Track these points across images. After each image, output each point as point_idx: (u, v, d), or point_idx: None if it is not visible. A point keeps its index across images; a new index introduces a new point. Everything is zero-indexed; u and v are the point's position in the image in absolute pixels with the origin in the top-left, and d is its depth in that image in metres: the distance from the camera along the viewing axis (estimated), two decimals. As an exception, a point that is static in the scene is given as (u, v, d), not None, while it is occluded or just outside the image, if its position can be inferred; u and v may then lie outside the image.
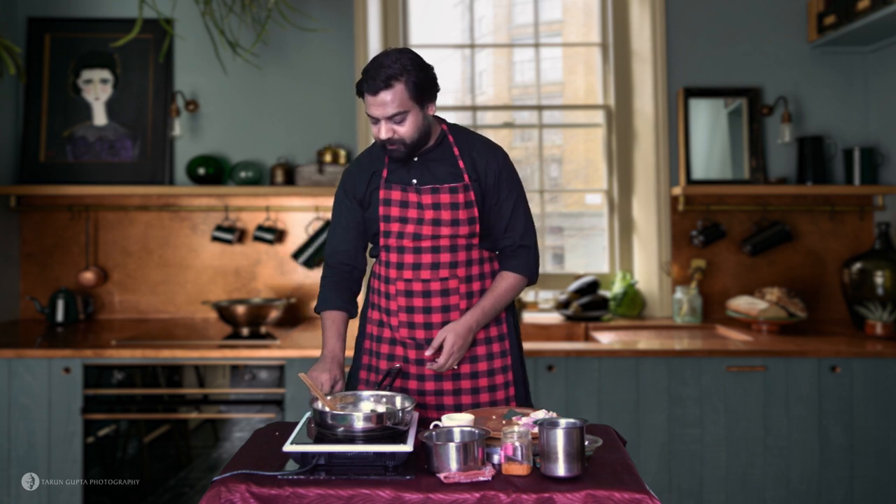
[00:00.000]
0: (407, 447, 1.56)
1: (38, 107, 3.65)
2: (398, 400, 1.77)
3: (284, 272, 3.69)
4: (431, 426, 1.71)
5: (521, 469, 1.56)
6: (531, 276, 2.09)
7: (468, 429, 1.64)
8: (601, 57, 3.96)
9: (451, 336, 1.96)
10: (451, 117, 4.08)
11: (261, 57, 3.66)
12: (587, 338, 3.47)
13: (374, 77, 1.87)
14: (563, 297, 3.65)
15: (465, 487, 1.50)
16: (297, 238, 3.68)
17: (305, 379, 1.75)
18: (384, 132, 1.93)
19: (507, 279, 2.06)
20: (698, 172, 3.64)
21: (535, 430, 1.68)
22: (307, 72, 3.70)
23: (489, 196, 2.04)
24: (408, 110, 1.91)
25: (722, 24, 3.67)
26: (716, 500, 2.88)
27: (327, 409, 1.67)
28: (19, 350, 2.89)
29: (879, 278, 3.22)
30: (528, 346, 3.00)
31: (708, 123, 3.68)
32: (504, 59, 4.29)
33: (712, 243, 3.62)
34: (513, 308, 2.15)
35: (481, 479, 1.53)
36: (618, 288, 3.70)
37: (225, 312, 3.23)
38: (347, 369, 2.15)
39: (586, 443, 1.68)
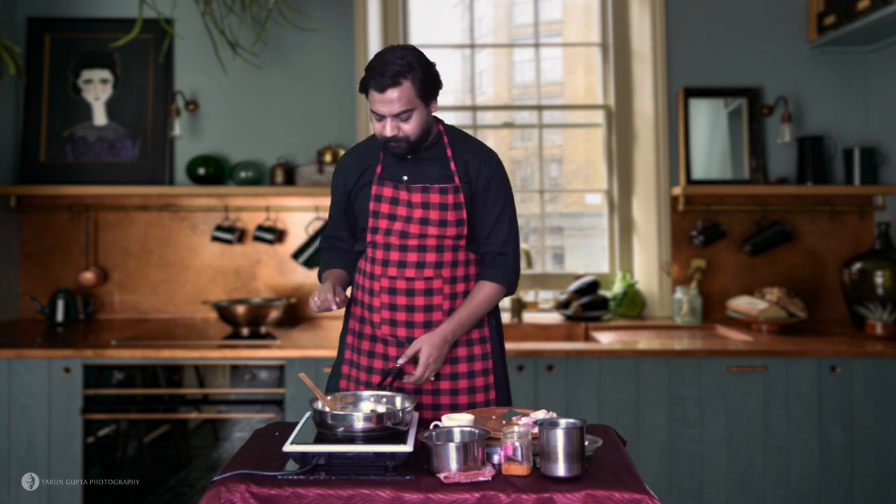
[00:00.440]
0: (407, 447, 1.56)
1: (38, 107, 3.65)
2: (398, 400, 1.77)
3: (284, 272, 3.69)
4: (431, 426, 1.70)
5: (521, 469, 1.56)
6: (509, 285, 2.06)
7: (468, 429, 1.64)
8: (601, 57, 3.96)
9: (426, 347, 1.95)
10: (451, 117, 4.08)
11: (261, 57, 3.66)
12: (587, 338, 3.47)
13: (382, 74, 1.87)
14: (563, 297, 3.65)
15: (465, 487, 1.50)
16: (297, 238, 3.68)
17: (305, 379, 1.75)
18: (389, 130, 1.93)
19: (484, 289, 2.04)
20: (698, 172, 3.64)
21: (535, 430, 1.68)
22: (307, 72, 3.70)
23: (477, 200, 2.04)
24: (414, 108, 1.92)
25: (722, 24, 3.67)
26: (716, 500, 2.88)
27: (327, 409, 1.67)
28: (19, 350, 2.89)
29: (879, 278, 3.22)
30: (528, 345, 3.00)
31: (708, 123, 3.68)
32: (504, 59, 4.29)
33: (712, 243, 3.62)
34: (496, 311, 2.15)
35: (481, 479, 1.53)
36: (618, 288, 3.70)
37: (225, 312, 3.23)
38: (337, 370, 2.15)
39: (586, 443, 1.68)
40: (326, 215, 3.63)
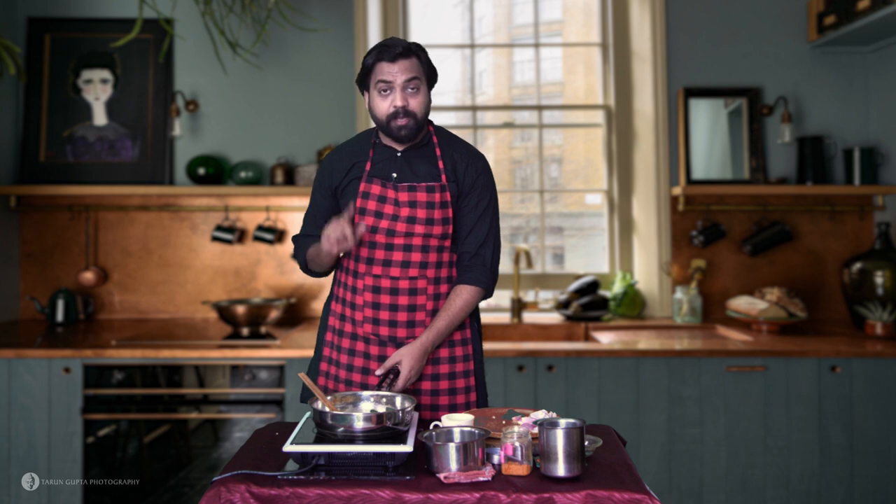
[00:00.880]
0: (407, 447, 1.57)
1: (38, 107, 3.65)
2: (398, 400, 1.78)
3: (284, 272, 3.69)
4: (432, 426, 1.71)
5: (521, 469, 1.56)
6: (486, 287, 2.05)
7: (468, 429, 1.64)
8: (601, 57, 3.96)
9: (407, 360, 1.95)
10: (451, 117, 4.08)
11: (261, 57, 3.66)
12: (587, 338, 3.47)
13: (395, 45, 1.93)
14: (563, 297, 3.65)
15: (465, 487, 1.50)
16: (297, 238, 3.68)
17: (305, 379, 1.75)
18: (400, 99, 1.94)
19: (461, 295, 2.02)
20: (698, 172, 3.64)
21: (535, 430, 1.68)
22: (307, 72, 3.70)
23: (462, 199, 2.05)
24: (422, 82, 1.97)
25: (722, 24, 3.67)
26: (716, 500, 2.88)
27: (327, 409, 1.67)
28: (19, 350, 2.89)
29: (879, 278, 3.22)
30: (528, 345, 3.00)
31: (708, 123, 3.68)
32: (504, 59, 4.29)
33: (712, 243, 3.62)
34: (476, 312, 2.14)
35: (481, 479, 1.53)
36: (618, 288, 3.70)
37: (225, 312, 3.23)
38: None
39: (586, 443, 1.68)
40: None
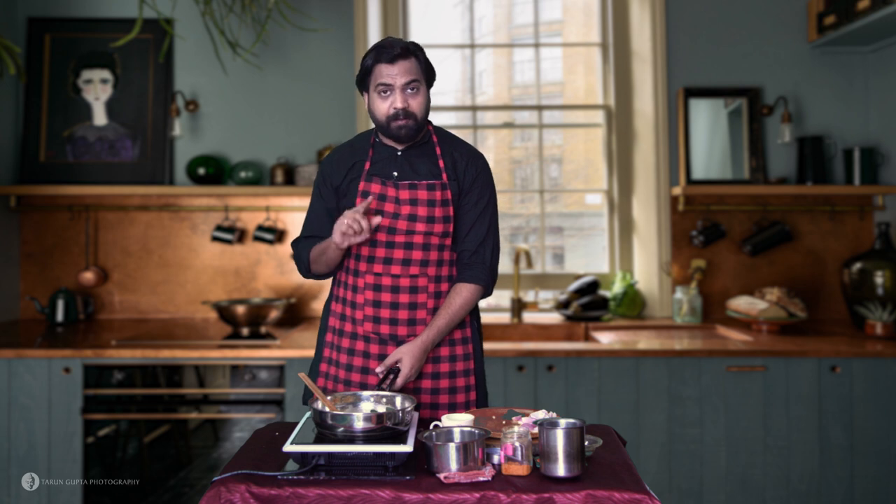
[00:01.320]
0: (407, 447, 1.56)
1: (38, 107, 3.65)
2: (398, 400, 1.77)
3: (284, 272, 3.69)
4: (431, 426, 1.71)
5: (521, 469, 1.56)
6: (486, 285, 2.05)
7: (468, 429, 1.64)
8: (601, 57, 3.96)
9: (407, 359, 1.95)
10: (451, 117, 4.08)
11: (261, 57, 3.66)
12: (587, 338, 3.47)
13: (393, 45, 1.94)
14: (563, 297, 3.65)
15: (465, 487, 1.50)
16: (297, 238, 3.68)
17: (305, 379, 1.75)
18: (400, 101, 1.95)
19: (461, 294, 2.02)
20: (698, 172, 3.64)
21: (535, 430, 1.68)
22: (307, 72, 3.70)
23: (462, 197, 2.05)
24: (421, 83, 1.98)
25: (722, 24, 3.67)
26: (716, 500, 2.88)
27: (327, 409, 1.67)
28: (19, 350, 2.89)
29: (879, 278, 3.22)
30: (528, 345, 3.00)
31: (708, 123, 3.68)
32: (504, 59, 4.29)
33: (712, 243, 3.62)
34: (476, 311, 2.14)
35: (481, 479, 1.53)
36: (618, 288, 3.70)
37: (225, 312, 3.23)
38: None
39: (586, 443, 1.68)
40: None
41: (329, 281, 3.23)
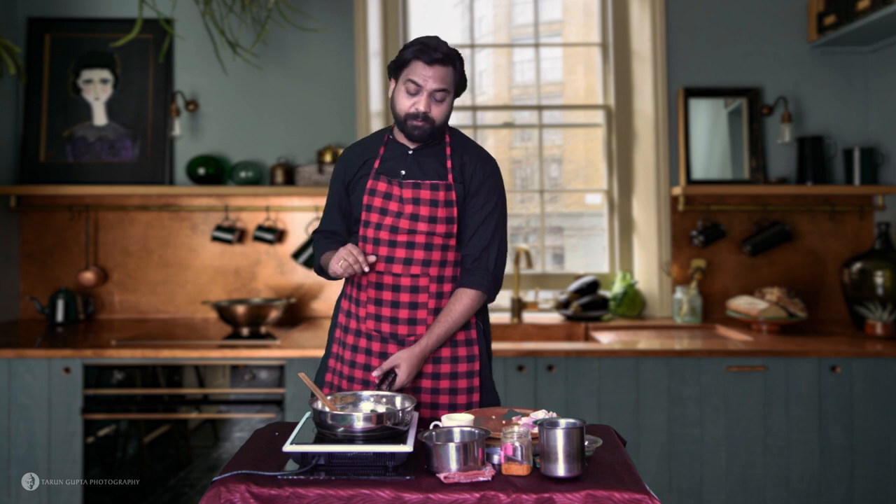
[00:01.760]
0: (407, 447, 1.57)
1: (38, 107, 3.65)
2: (398, 400, 1.78)
3: (284, 272, 3.69)
4: (431, 426, 1.71)
5: (521, 469, 1.56)
6: (488, 291, 2.04)
7: (468, 429, 1.64)
8: (601, 57, 3.96)
9: (405, 365, 1.95)
10: (451, 117, 4.07)
11: (261, 57, 3.66)
12: (587, 338, 3.47)
13: (437, 49, 1.94)
14: (563, 297, 3.65)
15: (465, 487, 1.50)
16: (297, 238, 3.68)
17: (305, 379, 1.75)
18: (424, 104, 1.96)
19: (461, 300, 2.02)
20: (698, 172, 3.64)
21: (535, 430, 1.68)
22: (307, 72, 3.70)
23: (468, 201, 2.05)
24: (450, 92, 1.99)
25: (722, 24, 3.67)
26: (716, 500, 2.88)
27: (327, 409, 1.67)
28: (19, 350, 2.89)
29: (879, 278, 3.22)
30: (528, 345, 3.00)
31: (708, 123, 3.68)
32: (504, 59, 4.29)
33: (712, 243, 3.62)
34: (484, 312, 2.14)
35: (481, 479, 1.53)
36: (618, 288, 3.70)
37: (225, 312, 3.23)
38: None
39: (586, 443, 1.68)
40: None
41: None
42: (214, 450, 3.07)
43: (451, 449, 1.54)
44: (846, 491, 2.86)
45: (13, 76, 3.57)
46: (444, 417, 1.74)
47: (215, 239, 3.61)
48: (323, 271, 2.13)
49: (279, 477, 1.56)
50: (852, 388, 2.87)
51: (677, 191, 3.58)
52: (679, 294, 3.54)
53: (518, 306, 3.61)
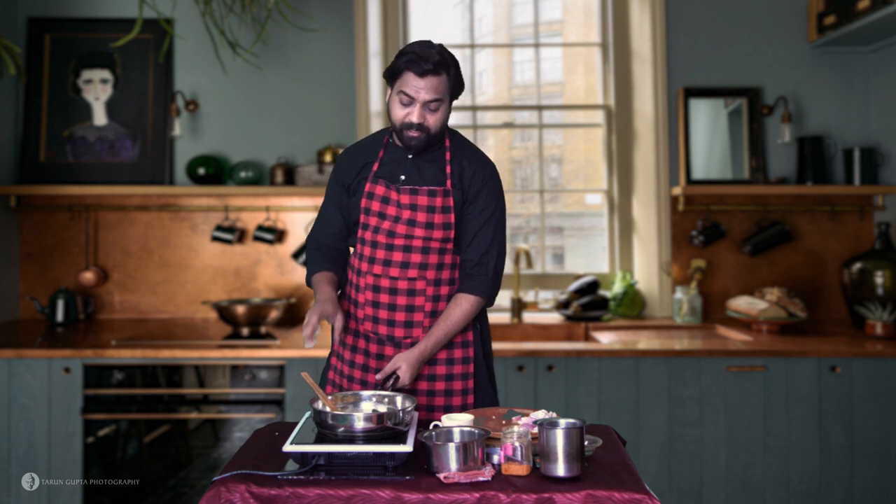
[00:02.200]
0: (407, 447, 1.57)
1: (38, 107, 3.65)
2: (399, 400, 1.78)
3: (284, 272, 3.69)
4: (431, 426, 1.71)
5: (520, 469, 1.56)
6: (487, 297, 2.04)
7: (468, 429, 1.64)
8: (601, 57, 3.96)
9: (406, 367, 1.95)
10: (451, 117, 4.07)
11: (261, 57, 3.66)
12: (587, 338, 3.47)
13: (426, 60, 1.90)
14: (563, 297, 3.65)
15: (465, 487, 1.50)
16: (297, 238, 3.68)
17: (308, 378, 1.75)
18: (417, 116, 1.94)
19: (460, 305, 2.02)
20: (698, 172, 3.64)
21: (535, 430, 1.68)
22: (307, 72, 3.70)
23: (467, 206, 2.04)
24: (444, 100, 1.96)
25: (722, 24, 3.67)
26: (716, 500, 2.88)
27: (327, 409, 1.67)
28: (19, 350, 2.89)
29: (879, 278, 3.22)
30: (528, 345, 3.00)
31: (708, 123, 3.68)
32: (504, 59, 4.29)
33: (712, 243, 3.62)
34: (483, 315, 2.14)
35: (481, 479, 1.53)
36: (618, 288, 3.70)
37: (225, 312, 3.23)
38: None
39: (586, 443, 1.68)
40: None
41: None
42: (214, 450, 3.07)
43: (451, 449, 1.54)
44: (846, 491, 2.86)
45: (13, 76, 3.57)
46: (443, 417, 1.74)
47: (215, 239, 3.61)
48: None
49: (279, 477, 1.56)
50: (852, 388, 2.87)
51: (677, 191, 3.58)
52: (679, 294, 3.54)
53: (518, 306, 3.61)
